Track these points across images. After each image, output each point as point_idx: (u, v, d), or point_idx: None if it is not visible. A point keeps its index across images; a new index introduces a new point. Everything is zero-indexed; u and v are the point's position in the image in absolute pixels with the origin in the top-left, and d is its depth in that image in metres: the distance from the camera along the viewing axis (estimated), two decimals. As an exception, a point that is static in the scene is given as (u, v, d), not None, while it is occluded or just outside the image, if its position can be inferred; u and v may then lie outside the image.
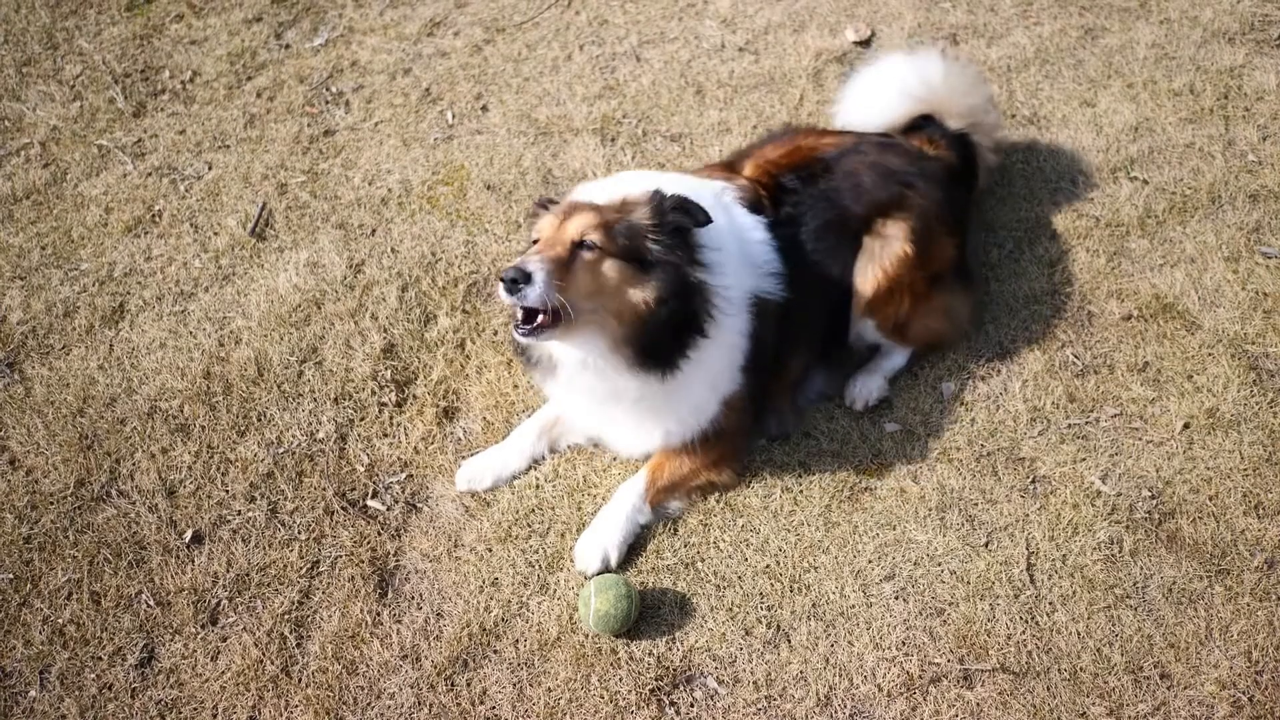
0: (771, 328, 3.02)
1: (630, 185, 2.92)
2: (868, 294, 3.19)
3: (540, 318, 2.62)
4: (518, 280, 2.55)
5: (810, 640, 2.81)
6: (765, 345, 3.02)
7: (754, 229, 3.03)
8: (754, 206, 3.08)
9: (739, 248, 2.96)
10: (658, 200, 2.76)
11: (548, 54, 4.53)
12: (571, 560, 2.98)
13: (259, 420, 3.33)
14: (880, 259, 3.18)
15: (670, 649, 2.81)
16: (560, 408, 3.17)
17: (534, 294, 2.55)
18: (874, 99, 3.63)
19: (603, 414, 3.01)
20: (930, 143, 3.51)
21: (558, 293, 2.58)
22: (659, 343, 2.74)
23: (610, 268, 2.68)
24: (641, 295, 2.71)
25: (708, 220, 2.77)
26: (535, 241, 2.73)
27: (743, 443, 3.14)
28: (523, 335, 2.65)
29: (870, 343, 3.37)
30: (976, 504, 3.06)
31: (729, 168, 3.26)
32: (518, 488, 3.16)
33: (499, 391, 3.38)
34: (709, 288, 2.79)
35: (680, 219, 2.76)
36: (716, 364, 2.92)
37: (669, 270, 2.72)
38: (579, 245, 2.66)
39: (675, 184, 2.99)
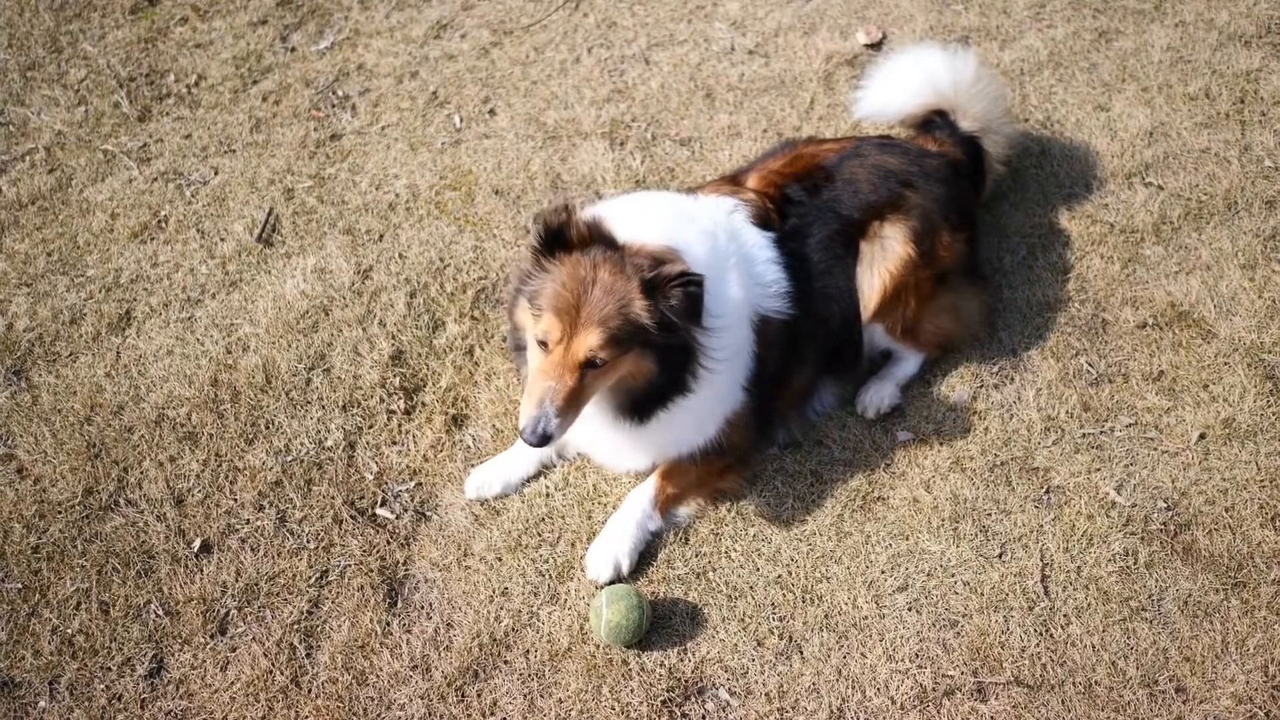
0: (777, 345, 3.01)
1: (645, 210, 2.90)
2: (874, 299, 3.17)
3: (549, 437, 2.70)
4: (542, 442, 2.65)
5: (823, 651, 2.79)
6: (769, 362, 3.00)
7: (762, 248, 3.01)
8: (763, 222, 3.06)
9: (743, 272, 2.93)
10: (658, 284, 2.65)
11: (555, 57, 4.50)
12: (582, 569, 2.97)
13: (267, 428, 3.31)
14: (883, 262, 3.15)
15: (682, 660, 2.80)
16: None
17: (556, 440, 2.70)
18: (900, 84, 3.62)
19: (592, 430, 2.99)
20: (936, 141, 3.50)
21: (570, 416, 2.68)
22: (643, 403, 2.82)
23: (614, 368, 2.72)
24: (643, 369, 2.76)
25: (698, 318, 2.71)
26: (542, 344, 2.70)
27: (749, 453, 3.13)
28: (534, 444, 2.69)
29: (882, 349, 3.34)
30: (990, 514, 3.04)
31: (733, 181, 3.24)
32: (527, 496, 3.14)
33: (508, 398, 3.36)
34: (699, 350, 2.78)
35: (676, 314, 2.68)
36: (718, 387, 2.91)
37: (665, 348, 2.73)
38: (588, 364, 2.67)
39: (689, 207, 2.98)
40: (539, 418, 2.62)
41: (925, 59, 3.60)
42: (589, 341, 2.63)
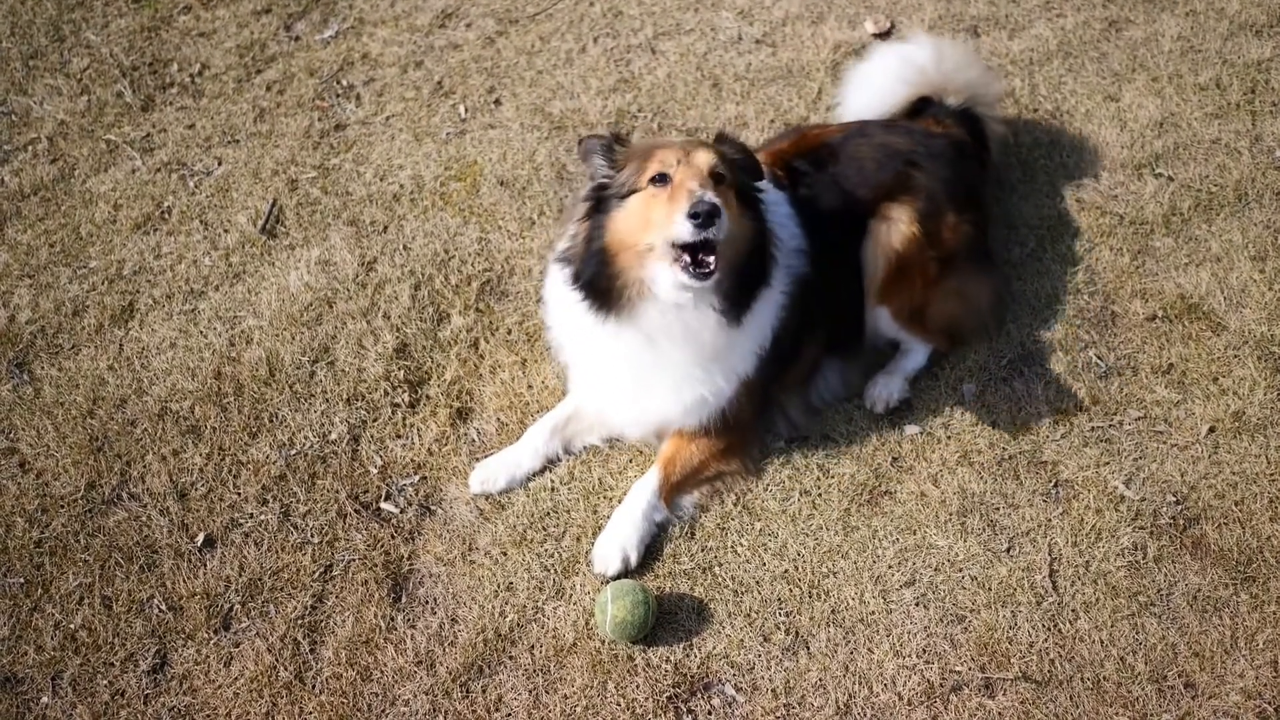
0: (795, 306, 2.99)
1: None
2: (879, 279, 3.16)
3: (713, 257, 2.55)
4: (713, 214, 2.48)
5: (829, 647, 2.78)
6: (788, 326, 2.99)
7: (779, 203, 3.03)
8: (775, 185, 3.08)
9: (776, 214, 2.97)
10: (738, 145, 2.84)
11: (561, 46, 4.47)
12: (589, 563, 2.95)
13: (271, 421, 3.30)
14: (888, 240, 3.14)
15: (688, 656, 2.78)
16: (582, 383, 3.10)
17: (723, 229, 2.52)
18: (872, 90, 3.63)
19: (644, 370, 2.90)
20: (936, 122, 3.49)
21: (721, 215, 2.54)
22: (745, 282, 2.77)
23: (733, 200, 2.69)
24: (750, 227, 2.77)
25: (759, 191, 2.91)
26: (656, 178, 2.64)
27: (752, 433, 3.11)
28: (698, 279, 2.56)
29: (888, 337, 3.32)
30: (998, 508, 3.02)
31: None
32: (532, 490, 3.13)
33: (513, 392, 3.34)
34: (774, 235, 2.87)
35: (752, 164, 2.88)
36: (757, 327, 2.92)
37: (756, 209, 2.83)
38: (713, 177, 2.63)
39: None
40: (706, 194, 2.50)
41: (898, 56, 3.62)
42: (709, 153, 2.68)
